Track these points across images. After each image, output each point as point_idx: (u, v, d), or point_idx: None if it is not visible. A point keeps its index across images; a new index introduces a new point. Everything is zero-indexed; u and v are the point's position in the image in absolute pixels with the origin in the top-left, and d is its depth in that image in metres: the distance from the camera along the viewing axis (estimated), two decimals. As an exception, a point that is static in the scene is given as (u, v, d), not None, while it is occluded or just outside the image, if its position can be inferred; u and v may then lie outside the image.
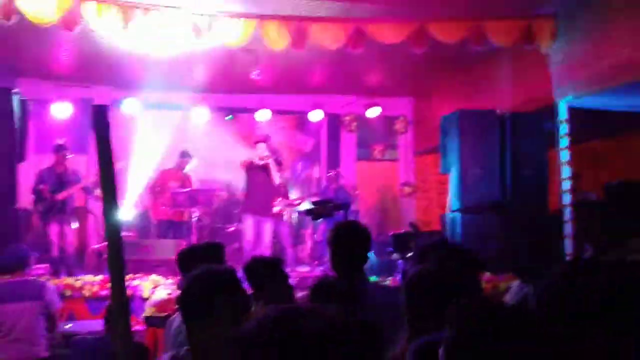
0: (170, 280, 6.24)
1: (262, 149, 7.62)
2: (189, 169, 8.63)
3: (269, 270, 3.05)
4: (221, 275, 2.01)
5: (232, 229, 8.86)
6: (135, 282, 6.22)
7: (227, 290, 1.93)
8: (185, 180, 8.45)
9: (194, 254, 3.16)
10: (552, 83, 6.47)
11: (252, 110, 9.85)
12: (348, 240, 2.84)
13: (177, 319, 2.78)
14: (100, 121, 1.94)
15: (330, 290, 2.56)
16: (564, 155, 6.68)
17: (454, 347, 1.12)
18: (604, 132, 7.91)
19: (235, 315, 1.85)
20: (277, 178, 7.71)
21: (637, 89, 5.50)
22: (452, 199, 7.26)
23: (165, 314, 4.85)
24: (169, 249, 7.12)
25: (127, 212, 8.95)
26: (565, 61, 6.30)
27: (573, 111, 6.43)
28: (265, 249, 7.44)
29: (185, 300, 1.96)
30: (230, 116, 10.17)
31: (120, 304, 1.72)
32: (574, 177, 7.16)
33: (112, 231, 1.75)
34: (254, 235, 7.58)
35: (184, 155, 8.57)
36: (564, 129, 6.54)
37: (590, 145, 8.29)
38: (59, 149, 7.30)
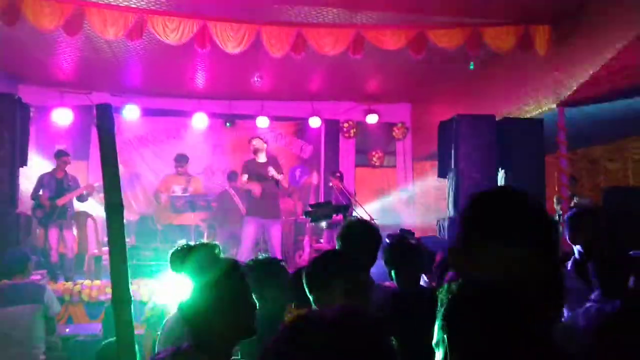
0: (169, 285, 6.23)
1: (258, 143, 7.19)
2: (190, 172, 8.54)
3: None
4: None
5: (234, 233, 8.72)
6: (134, 287, 6.21)
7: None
8: (188, 184, 8.31)
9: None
10: (550, 89, 6.51)
11: (252, 117, 9.91)
12: (360, 239, 2.73)
13: (172, 318, 2.74)
14: (104, 120, 1.96)
15: None
16: (561, 162, 6.72)
17: None
18: (602, 139, 7.95)
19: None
20: (281, 180, 7.20)
21: (634, 95, 5.53)
22: (448, 205, 7.26)
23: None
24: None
25: (130, 217, 8.95)
26: (563, 67, 6.35)
27: (570, 117, 6.46)
28: (276, 253, 6.93)
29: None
30: (229, 123, 10.18)
31: (122, 298, 1.75)
32: (572, 182, 7.19)
33: (116, 226, 1.79)
34: (253, 241, 7.27)
35: (179, 160, 8.50)
36: (561, 135, 6.59)
37: (588, 151, 8.34)
38: (60, 155, 7.34)
